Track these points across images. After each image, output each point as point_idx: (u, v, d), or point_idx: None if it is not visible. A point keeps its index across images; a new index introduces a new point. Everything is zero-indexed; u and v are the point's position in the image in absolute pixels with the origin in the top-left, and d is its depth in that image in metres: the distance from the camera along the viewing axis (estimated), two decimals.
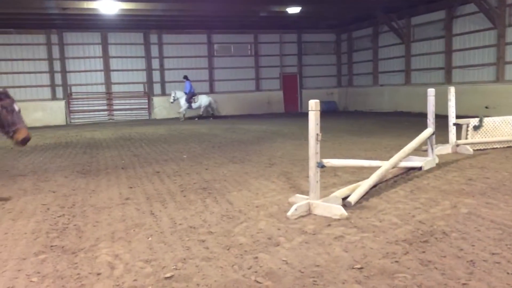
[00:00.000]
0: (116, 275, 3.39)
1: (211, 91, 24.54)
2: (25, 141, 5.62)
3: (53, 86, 22.38)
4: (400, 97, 21.31)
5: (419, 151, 7.95)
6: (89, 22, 20.88)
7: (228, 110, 24.18)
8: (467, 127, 8.84)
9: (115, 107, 23.37)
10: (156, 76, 23.78)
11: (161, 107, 23.37)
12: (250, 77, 25.43)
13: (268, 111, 24.94)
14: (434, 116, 7.22)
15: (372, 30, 23.38)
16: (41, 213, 5.24)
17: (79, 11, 17.78)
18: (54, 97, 22.43)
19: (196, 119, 21.44)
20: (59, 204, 5.68)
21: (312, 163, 4.76)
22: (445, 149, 8.54)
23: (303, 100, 25.61)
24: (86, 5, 17.09)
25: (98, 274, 3.43)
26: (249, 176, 7.04)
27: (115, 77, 23.20)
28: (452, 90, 8.60)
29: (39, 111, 21.19)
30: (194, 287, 3.16)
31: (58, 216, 5.09)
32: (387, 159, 6.47)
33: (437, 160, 7.39)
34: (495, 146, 8.92)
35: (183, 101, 21.15)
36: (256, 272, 3.37)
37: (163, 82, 23.78)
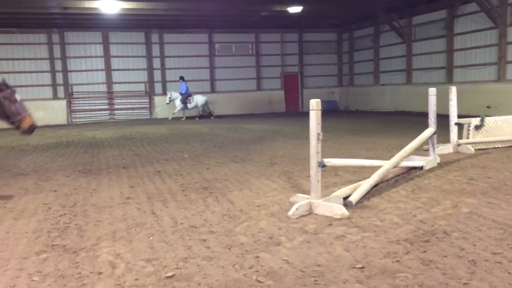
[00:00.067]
0: (117, 274, 3.39)
1: (212, 90, 24.56)
2: (31, 129, 5.67)
3: (54, 85, 22.41)
4: (401, 97, 21.29)
5: (421, 150, 7.94)
6: (90, 22, 20.90)
7: (229, 110, 24.18)
8: (469, 126, 8.83)
9: (116, 107, 23.39)
10: (157, 75, 23.80)
11: (162, 107, 23.38)
12: (251, 77, 25.42)
13: (269, 110, 24.93)
14: (435, 115, 7.21)
15: (373, 29, 23.35)
16: (43, 212, 5.25)
17: (80, 10, 17.80)
18: (55, 97, 22.46)
19: (197, 118, 21.45)
20: (61, 203, 5.69)
21: (313, 162, 4.76)
22: (446, 149, 8.54)
23: (304, 99, 25.63)
24: (87, 4, 17.11)
25: (99, 273, 3.43)
26: (250, 175, 7.04)
27: (116, 76, 23.22)
28: (453, 89, 8.59)
29: (41, 111, 21.19)
30: (195, 286, 3.16)
31: (60, 215, 5.10)
32: (388, 158, 6.47)
33: (438, 160, 7.38)
34: (496, 146, 8.91)
35: (178, 102, 21.19)
36: (257, 271, 3.37)
37: (164, 82, 23.79)
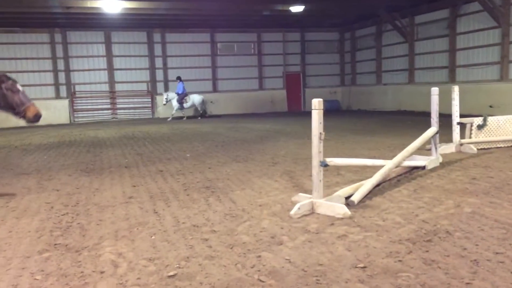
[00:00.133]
0: (119, 274, 3.40)
1: (214, 90, 24.59)
2: (37, 117, 5.72)
3: (56, 85, 22.45)
4: (403, 96, 21.26)
5: (423, 150, 7.93)
6: (92, 21, 20.93)
7: (231, 109, 24.20)
8: (471, 126, 8.81)
9: (118, 106, 23.43)
10: (159, 75, 23.83)
11: (164, 106, 23.38)
12: (253, 76, 25.43)
13: (271, 110, 24.94)
14: (437, 115, 7.20)
15: (376, 29, 23.33)
16: (45, 212, 5.26)
17: (82, 10, 17.84)
18: (58, 96, 22.51)
19: (199, 118, 21.45)
20: (63, 202, 5.70)
21: (315, 162, 4.75)
22: (449, 148, 8.52)
23: (306, 99, 25.62)
24: (89, 4, 17.15)
25: (102, 272, 3.44)
26: (252, 175, 7.04)
27: (118, 76, 23.25)
28: (456, 89, 8.57)
29: (43, 110, 20.50)
30: (197, 285, 3.16)
31: (62, 215, 5.11)
32: (391, 158, 6.46)
33: (440, 159, 7.37)
34: (499, 145, 8.89)
35: (175, 102, 21.20)
36: (259, 270, 3.37)
37: (166, 81, 23.81)
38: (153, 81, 23.74)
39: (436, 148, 7.29)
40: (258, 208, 5.09)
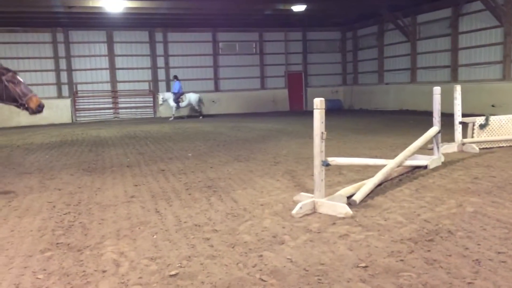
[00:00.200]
0: (121, 273, 3.40)
1: (216, 89, 24.60)
2: (40, 107, 5.76)
3: (59, 84, 22.49)
4: (405, 95, 21.23)
5: (425, 149, 7.92)
6: (94, 21, 20.96)
7: (233, 108, 24.21)
8: (473, 125, 8.79)
9: (120, 105, 23.46)
10: (161, 74, 23.85)
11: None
12: (255, 75, 25.43)
13: (273, 109, 24.94)
14: (439, 114, 7.19)
15: (378, 28, 23.29)
16: (47, 211, 5.27)
17: (84, 9, 17.85)
18: (60, 95, 22.55)
19: (201, 117, 21.46)
20: (65, 201, 5.71)
21: (317, 161, 4.75)
22: (451, 148, 8.51)
23: (308, 98, 25.61)
24: (91, 3, 17.16)
25: (104, 271, 3.44)
26: (254, 174, 7.05)
27: (120, 75, 23.28)
28: (458, 88, 8.55)
29: (45, 109, 20.98)
30: (199, 284, 3.17)
31: (64, 214, 5.12)
32: (393, 157, 6.46)
33: (442, 159, 7.36)
34: (501, 145, 8.87)
35: (171, 102, 21.21)
36: (260, 270, 3.37)
37: (168, 80, 23.82)
38: (155, 80, 23.76)
39: (438, 147, 7.27)
40: (259, 207, 5.09)
